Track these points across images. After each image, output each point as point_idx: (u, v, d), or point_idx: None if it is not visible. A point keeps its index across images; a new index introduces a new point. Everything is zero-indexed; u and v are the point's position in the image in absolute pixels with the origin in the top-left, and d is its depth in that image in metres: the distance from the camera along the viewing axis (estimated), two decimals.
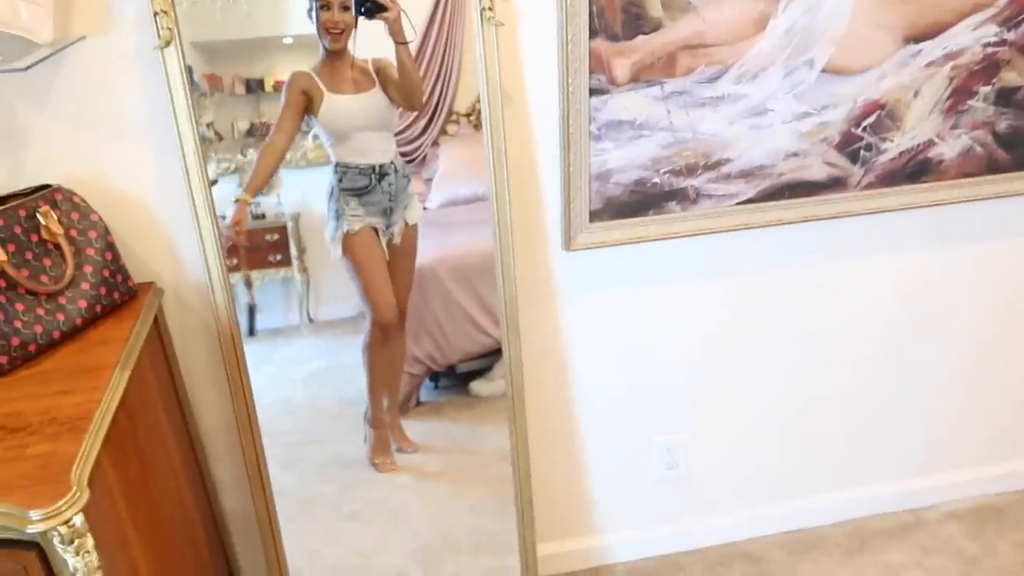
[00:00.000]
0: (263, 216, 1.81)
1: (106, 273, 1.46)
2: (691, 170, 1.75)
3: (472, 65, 1.76)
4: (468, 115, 1.91)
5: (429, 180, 1.96)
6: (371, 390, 1.94)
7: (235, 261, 1.76)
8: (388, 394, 1.99)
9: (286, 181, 1.82)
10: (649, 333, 1.95)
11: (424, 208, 1.95)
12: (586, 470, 2.08)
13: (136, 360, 1.36)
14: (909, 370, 2.18)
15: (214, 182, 1.65)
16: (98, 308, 1.44)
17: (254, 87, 1.69)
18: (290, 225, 1.84)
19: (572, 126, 1.63)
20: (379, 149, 1.78)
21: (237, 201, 1.68)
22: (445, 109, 1.88)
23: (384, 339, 1.88)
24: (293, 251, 1.86)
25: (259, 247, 1.83)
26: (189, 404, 1.73)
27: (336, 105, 1.71)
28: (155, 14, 1.39)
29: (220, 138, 1.69)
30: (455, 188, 1.97)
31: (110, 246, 1.48)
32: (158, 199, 1.56)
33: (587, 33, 1.56)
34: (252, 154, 1.75)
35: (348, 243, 1.80)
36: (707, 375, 2.04)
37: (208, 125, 1.66)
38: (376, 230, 1.82)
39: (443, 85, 1.85)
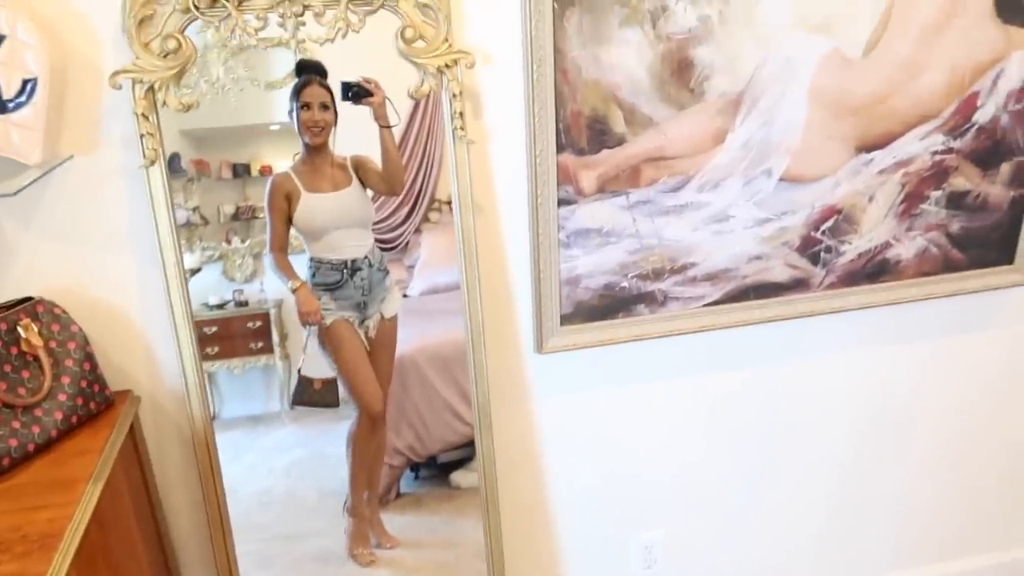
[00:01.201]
0: (245, 303, 1.80)
1: (83, 384, 1.47)
2: (658, 274, 1.78)
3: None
4: (450, 203, 1.86)
5: (411, 267, 1.98)
6: (353, 480, 1.91)
7: (215, 350, 1.76)
8: (368, 487, 1.96)
9: (269, 269, 1.82)
10: (623, 432, 1.95)
11: (405, 296, 1.96)
12: (563, 568, 2.05)
13: (110, 471, 1.35)
14: (880, 463, 2.19)
15: (198, 270, 1.70)
16: (74, 419, 1.45)
17: (240, 171, 1.71)
18: (272, 312, 1.84)
19: (542, 234, 1.67)
20: (352, 245, 1.77)
21: (296, 291, 1.72)
22: (427, 197, 1.90)
23: (372, 430, 1.85)
24: (275, 338, 1.85)
25: (241, 334, 1.83)
26: (162, 509, 1.71)
27: (313, 203, 1.71)
28: (141, 136, 1.44)
29: (206, 222, 1.71)
30: (436, 276, 1.97)
31: (89, 356, 1.50)
32: (139, 308, 1.58)
33: (554, 148, 1.60)
34: (236, 241, 1.76)
35: (325, 336, 1.78)
36: (682, 472, 2.03)
37: (194, 209, 1.68)
38: (351, 322, 1.81)
39: (425, 173, 1.87)
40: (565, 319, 1.76)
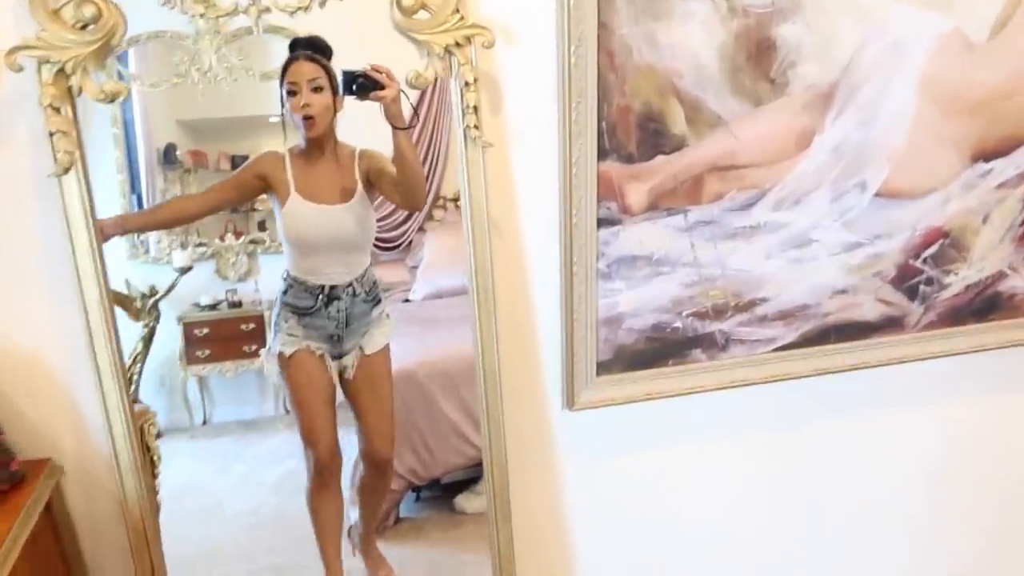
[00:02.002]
0: (239, 304, 1.74)
1: None
2: (719, 312, 1.53)
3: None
4: (456, 200, 1.79)
5: (414, 268, 1.92)
6: (320, 547, 1.72)
7: (206, 352, 1.72)
8: (362, 516, 1.80)
9: (264, 267, 1.74)
10: (666, 502, 1.72)
11: (407, 300, 1.90)
12: None
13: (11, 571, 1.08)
14: (964, 533, 1.94)
15: (189, 268, 1.62)
16: None
17: (239, 163, 1.61)
18: (267, 314, 1.74)
19: (576, 263, 1.42)
20: (335, 271, 1.58)
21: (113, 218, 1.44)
22: (432, 193, 1.83)
23: (324, 485, 1.69)
24: (271, 334, 1.72)
25: (233, 336, 1.77)
26: None
27: (301, 211, 1.52)
28: (51, 135, 1.13)
29: (187, 222, 1.64)
30: (440, 279, 1.89)
31: None
32: (55, 352, 1.33)
33: (595, 154, 1.35)
34: (230, 238, 1.70)
35: (283, 365, 1.61)
36: (733, 552, 1.80)
37: None
38: (320, 354, 1.63)
39: (431, 168, 1.80)
40: (603, 368, 1.51)
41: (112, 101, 1.16)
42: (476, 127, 1.26)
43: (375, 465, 1.71)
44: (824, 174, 1.46)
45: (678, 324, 1.50)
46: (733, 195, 1.44)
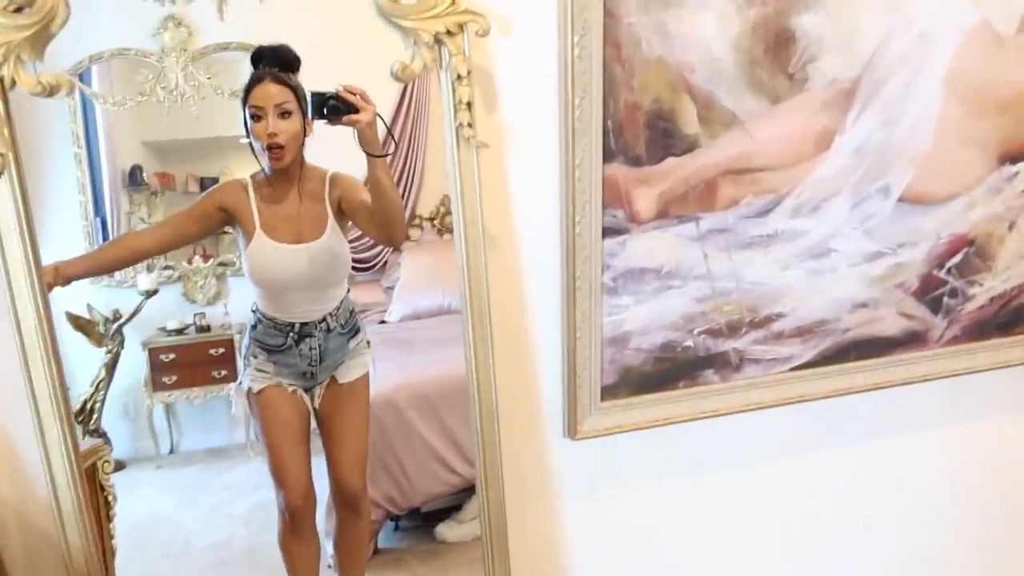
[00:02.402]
0: (208, 328, 1.71)
1: None
2: (734, 329, 1.43)
3: (437, 166, 1.63)
4: (432, 219, 1.85)
5: (389, 289, 1.90)
6: None
7: (173, 379, 1.68)
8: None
9: (234, 290, 1.71)
10: (674, 539, 1.62)
11: (383, 322, 1.87)
12: None
13: None
14: (1001, 563, 1.86)
15: (155, 292, 1.58)
16: None
17: (208, 185, 1.58)
18: (237, 338, 1.70)
19: (580, 276, 1.32)
20: (307, 309, 1.50)
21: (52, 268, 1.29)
22: (408, 213, 1.81)
23: (296, 530, 1.60)
24: (240, 366, 1.67)
25: (202, 361, 1.73)
26: None
27: (267, 251, 1.42)
28: None
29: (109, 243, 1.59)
30: (418, 299, 1.88)
31: None
32: None
33: (600, 156, 1.25)
34: (198, 261, 1.67)
35: (252, 401, 1.54)
36: None
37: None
38: (293, 391, 1.55)
39: (406, 188, 1.78)
40: (607, 392, 1.40)
41: (52, 95, 1.01)
42: (470, 125, 1.14)
43: (344, 502, 1.62)
44: (845, 178, 1.38)
45: (689, 343, 1.41)
46: (749, 201, 1.35)
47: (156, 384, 1.68)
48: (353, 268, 1.68)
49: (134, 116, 1.43)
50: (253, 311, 1.51)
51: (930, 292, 1.51)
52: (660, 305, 1.38)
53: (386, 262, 1.88)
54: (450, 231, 1.78)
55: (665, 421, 1.44)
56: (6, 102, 1.01)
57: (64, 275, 1.30)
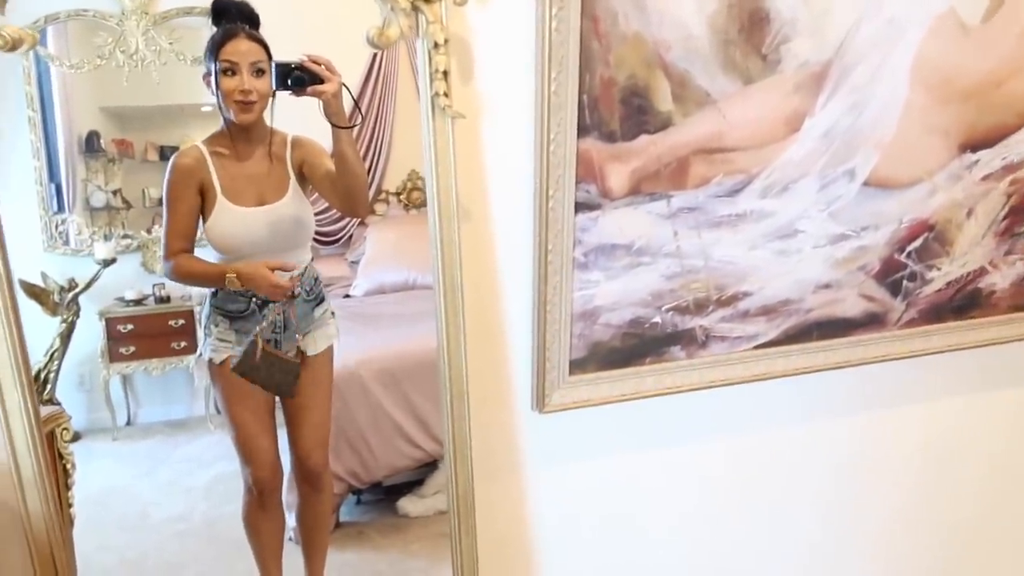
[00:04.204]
0: (167, 299, 1.69)
1: None
2: (701, 306, 1.43)
3: (404, 140, 1.73)
4: (399, 194, 1.86)
5: (354, 263, 1.90)
6: (261, 567, 1.61)
7: (131, 349, 1.66)
8: (307, 556, 1.68)
9: (173, 279, 1.66)
10: (641, 509, 1.62)
11: (347, 296, 1.86)
12: None
13: None
14: (943, 536, 1.89)
15: (112, 260, 1.56)
16: None
17: (168, 154, 1.55)
18: (197, 309, 1.69)
19: (552, 251, 1.28)
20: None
21: (237, 278, 1.40)
22: (374, 187, 1.81)
23: (263, 506, 1.59)
24: (200, 337, 1.66)
25: (161, 332, 1.71)
26: None
27: (230, 217, 1.40)
28: None
29: (129, 206, 1.61)
30: (383, 274, 1.88)
31: None
32: None
33: (575, 130, 1.22)
34: (157, 231, 1.62)
35: (214, 372, 1.51)
36: (710, 560, 1.71)
37: (115, 192, 1.59)
38: None
39: (373, 161, 1.77)
40: (576, 366, 1.39)
41: (13, 50, 0.99)
42: (446, 95, 1.12)
43: (305, 477, 1.60)
44: (813, 160, 1.37)
45: (657, 319, 1.40)
46: (720, 180, 1.33)
47: (113, 355, 1.65)
48: (318, 241, 1.66)
49: (92, 80, 1.41)
50: None
51: (890, 275, 1.52)
52: (630, 281, 1.37)
53: (351, 236, 1.87)
54: (416, 206, 1.85)
55: (632, 396, 1.44)
56: None
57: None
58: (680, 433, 1.59)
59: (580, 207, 1.28)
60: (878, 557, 1.86)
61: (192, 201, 1.40)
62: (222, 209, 1.38)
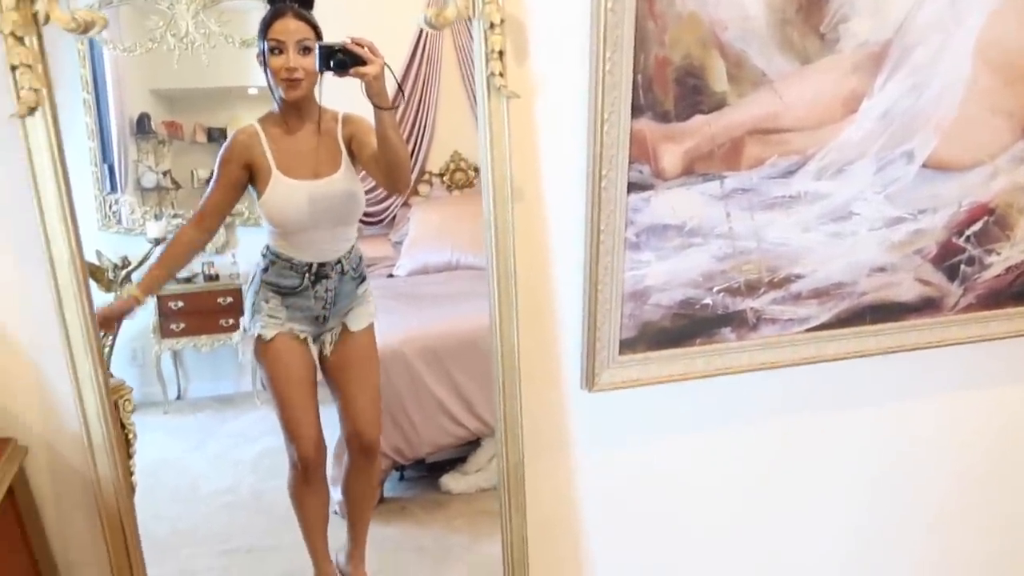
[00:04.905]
0: (216, 277, 1.72)
1: None
2: (752, 288, 1.41)
3: (448, 122, 1.75)
4: (441, 175, 1.86)
5: (398, 244, 1.90)
6: (307, 542, 1.65)
7: (181, 326, 1.69)
8: (351, 521, 1.70)
9: (242, 239, 1.70)
10: (687, 491, 1.63)
11: (391, 275, 1.88)
12: None
13: None
14: (1004, 532, 1.86)
15: (163, 240, 1.55)
16: None
17: (216, 136, 1.61)
18: (244, 287, 1.67)
19: (604, 231, 1.29)
20: (325, 248, 1.49)
21: (128, 296, 1.38)
22: (417, 168, 1.81)
23: (308, 480, 1.61)
24: (247, 314, 1.66)
25: (210, 310, 1.74)
26: None
27: (285, 191, 1.42)
28: (13, 69, 0.99)
29: (178, 187, 1.63)
30: (426, 255, 1.89)
31: None
32: (19, 321, 1.19)
33: (629, 110, 1.22)
34: None
35: (261, 350, 1.52)
36: (757, 544, 1.71)
37: (165, 173, 1.61)
38: (303, 338, 1.54)
39: (416, 143, 1.78)
40: (626, 346, 1.39)
41: (85, 32, 1.01)
42: (501, 75, 1.13)
43: (361, 450, 1.62)
44: (870, 142, 1.35)
45: (708, 300, 1.39)
46: (774, 161, 1.32)
47: (164, 331, 1.69)
48: (362, 221, 1.66)
49: (143, 63, 1.42)
50: (264, 254, 1.49)
51: (948, 259, 1.49)
52: (681, 262, 1.36)
53: (395, 216, 1.87)
54: (459, 187, 1.87)
55: (681, 376, 1.43)
56: (40, 38, 0.99)
57: (144, 293, 1.39)
58: (729, 415, 1.59)
59: (633, 187, 1.28)
60: (931, 546, 1.84)
61: (236, 176, 1.42)
62: (277, 182, 1.40)
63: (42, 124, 1.01)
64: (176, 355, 1.73)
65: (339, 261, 1.50)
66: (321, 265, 1.48)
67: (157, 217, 1.59)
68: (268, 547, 1.71)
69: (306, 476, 1.58)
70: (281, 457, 1.72)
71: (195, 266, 1.68)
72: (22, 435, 1.22)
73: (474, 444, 1.83)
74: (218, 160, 1.43)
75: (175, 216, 1.61)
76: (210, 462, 1.75)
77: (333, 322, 1.55)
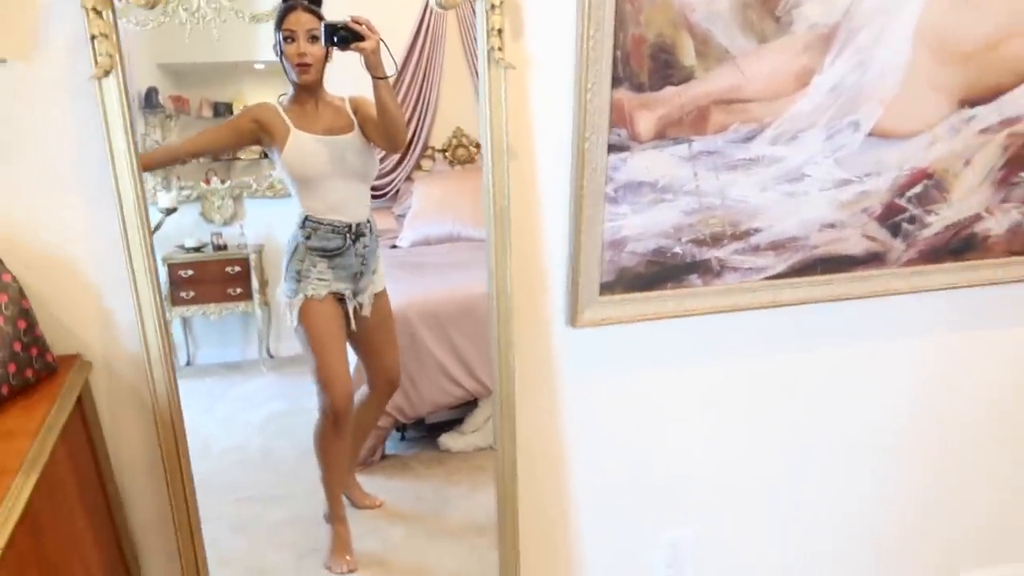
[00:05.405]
0: (224, 247, 1.74)
1: (17, 347, 1.20)
2: (716, 240, 1.55)
3: (451, 99, 1.77)
4: (444, 151, 1.89)
5: (401, 217, 1.93)
6: (326, 485, 1.77)
7: (191, 294, 1.71)
8: (356, 442, 1.83)
9: (250, 212, 1.75)
10: (658, 419, 1.74)
11: (394, 246, 1.91)
12: (580, 568, 1.84)
13: (48, 457, 1.10)
14: (945, 464, 2.00)
15: (174, 210, 1.60)
16: (4, 389, 1.17)
17: (222, 111, 1.63)
18: (252, 257, 1.77)
19: (586, 186, 1.43)
20: (356, 204, 1.61)
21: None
22: (420, 144, 1.84)
23: (336, 428, 1.72)
24: (255, 284, 1.78)
25: (218, 279, 1.77)
26: (119, 496, 1.46)
27: (303, 144, 1.54)
28: (92, 38, 1.14)
29: (184, 161, 1.64)
30: (429, 227, 1.92)
31: (24, 313, 1.22)
32: (87, 255, 1.33)
33: (609, 81, 1.36)
34: (216, 182, 1.70)
35: (307, 310, 1.64)
36: (720, 466, 1.83)
37: None
38: (341, 299, 1.66)
39: (420, 119, 1.80)
40: (605, 288, 1.53)
41: (153, 7, 1.18)
42: (500, 50, 1.28)
43: (391, 383, 1.77)
44: (821, 113, 1.49)
45: (678, 249, 1.53)
46: (736, 127, 1.46)
47: (175, 299, 1.71)
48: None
49: (151, 37, 1.42)
50: (303, 225, 1.59)
51: (891, 218, 1.62)
52: (654, 215, 1.49)
53: (399, 190, 1.91)
54: (461, 163, 1.90)
55: (654, 316, 1.56)
56: (114, 12, 1.14)
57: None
58: (696, 352, 1.69)
59: (612, 149, 1.42)
60: (877, 477, 1.95)
61: (244, 125, 1.54)
62: (295, 137, 1.52)
63: (115, 85, 1.17)
64: (186, 322, 1.76)
65: (368, 221, 1.62)
66: (358, 224, 1.60)
67: (167, 187, 1.63)
68: (276, 497, 1.81)
69: (335, 423, 1.70)
70: (288, 420, 1.83)
71: (204, 236, 1.72)
72: (84, 352, 1.37)
73: (471, 405, 1.91)
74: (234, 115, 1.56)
75: (182, 188, 1.67)
76: (219, 424, 1.80)
77: (365, 281, 1.66)
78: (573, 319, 1.54)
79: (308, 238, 1.59)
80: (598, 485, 1.77)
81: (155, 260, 1.28)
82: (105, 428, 1.43)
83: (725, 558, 1.94)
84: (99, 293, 1.35)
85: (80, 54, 1.19)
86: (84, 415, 1.35)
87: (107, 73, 1.16)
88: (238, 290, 1.77)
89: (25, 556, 1.03)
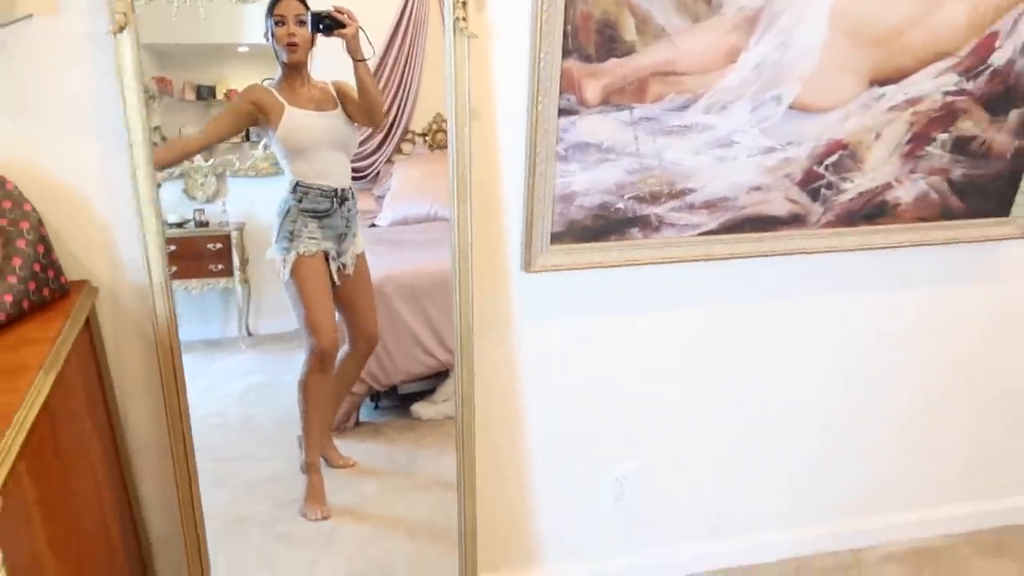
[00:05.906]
0: (206, 224, 1.77)
1: (36, 268, 1.36)
2: (655, 197, 1.71)
3: (432, 85, 1.80)
4: (424, 135, 1.95)
5: (380, 198, 1.99)
6: (307, 430, 1.88)
7: (173, 269, 1.64)
8: (336, 398, 1.95)
9: (233, 190, 1.79)
10: (604, 361, 1.89)
11: (373, 225, 1.97)
12: (532, 500, 2.01)
13: (63, 363, 1.26)
14: (858, 410, 2.17)
15: (158, 186, 1.51)
16: (25, 304, 1.34)
17: (205, 94, 1.67)
18: (234, 235, 1.80)
19: (539, 145, 1.58)
20: (340, 172, 1.74)
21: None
22: (401, 127, 1.89)
23: (323, 369, 1.82)
24: (236, 261, 1.82)
25: (200, 255, 1.79)
26: (119, 415, 1.62)
27: (297, 119, 1.67)
28: None
29: (193, 156, 1.69)
30: (407, 207, 1.99)
31: (43, 239, 1.38)
32: (99, 194, 1.47)
33: (560, 52, 1.51)
34: (199, 160, 1.74)
35: (299, 266, 1.75)
36: (659, 405, 1.99)
37: (155, 129, 1.61)
38: (327, 257, 1.78)
39: (401, 103, 1.85)
40: (556, 238, 1.69)
41: None
42: (464, 20, 1.43)
43: (369, 341, 1.88)
44: (747, 86, 1.64)
45: (621, 205, 1.68)
46: (671, 97, 1.61)
47: (165, 249, 1.67)
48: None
49: (138, 17, 1.36)
50: (293, 191, 1.71)
51: (811, 183, 1.77)
52: (599, 174, 1.63)
53: (379, 172, 1.96)
54: (440, 147, 1.95)
55: (599, 264, 1.71)
56: None
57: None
58: (638, 300, 1.83)
59: (562, 112, 1.56)
60: (797, 418, 2.11)
61: (244, 107, 1.66)
62: (289, 114, 1.66)
63: (129, 40, 1.31)
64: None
65: (349, 188, 1.76)
66: (342, 189, 1.74)
67: None
68: (255, 457, 1.91)
69: (322, 364, 1.81)
70: (266, 391, 1.92)
71: (187, 213, 1.77)
72: (94, 280, 1.51)
73: (443, 376, 2.00)
74: (235, 99, 1.66)
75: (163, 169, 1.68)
76: (200, 394, 1.76)
77: (348, 243, 1.78)
78: (527, 264, 1.69)
79: (300, 201, 1.72)
80: (550, 422, 1.92)
81: (158, 199, 1.43)
82: (109, 353, 1.57)
83: (666, 489, 2.10)
84: (108, 227, 1.50)
85: (98, 12, 1.33)
86: (91, 334, 1.50)
87: (122, 29, 1.31)
88: (219, 266, 1.81)
89: (45, 441, 1.19)
